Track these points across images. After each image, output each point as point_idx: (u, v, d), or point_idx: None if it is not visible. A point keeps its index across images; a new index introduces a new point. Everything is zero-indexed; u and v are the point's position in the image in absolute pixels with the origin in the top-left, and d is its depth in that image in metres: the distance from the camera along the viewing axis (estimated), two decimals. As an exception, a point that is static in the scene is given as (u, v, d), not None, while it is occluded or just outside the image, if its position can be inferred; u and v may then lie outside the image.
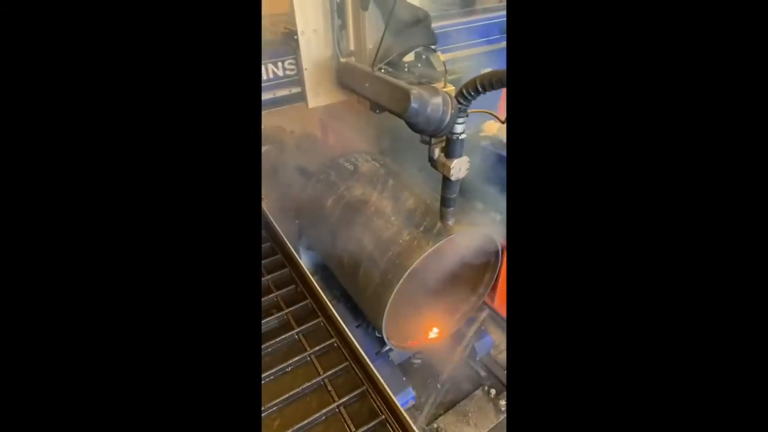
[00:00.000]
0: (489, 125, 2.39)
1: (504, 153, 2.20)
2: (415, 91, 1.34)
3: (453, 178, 1.58)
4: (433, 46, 1.86)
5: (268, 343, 1.66)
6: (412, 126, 1.41)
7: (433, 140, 1.52)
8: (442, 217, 1.79)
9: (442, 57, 1.91)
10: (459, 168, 1.55)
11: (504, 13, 2.39)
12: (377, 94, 1.50)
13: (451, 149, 1.52)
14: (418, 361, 2.56)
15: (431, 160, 1.61)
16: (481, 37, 2.51)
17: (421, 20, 1.76)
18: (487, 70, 1.34)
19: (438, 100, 1.32)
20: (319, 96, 2.14)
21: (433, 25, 1.80)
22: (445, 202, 1.73)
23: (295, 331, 1.70)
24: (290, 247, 2.05)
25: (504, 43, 2.51)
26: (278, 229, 2.16)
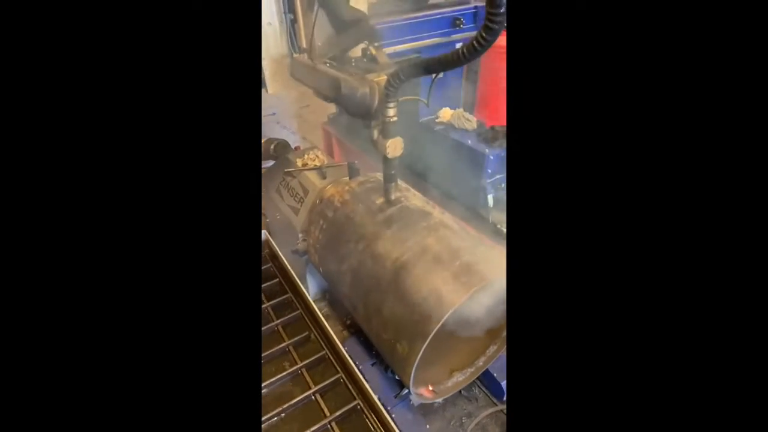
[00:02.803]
0: (444, 112, 2.53)
1: (453, 136, 2.41)
2: (346, 80, 1.46)
3: (390, 156, 1.68)
4: (376, 43, 1.89)
5: (284, 406, 1.36)
6: (347, 110, 1.53)
7: (373, 124, 1.63)
8: (386, 192, 1.85)
9: (398, 48, 2.17)
10: (394, 147, 1.65)
11: (453, 9, 2.57)
12: (318, 84, 1.64)
13: (385, 131, 1.62)
14: (439, 400, 2.26)
15: (372, 141, 1.70)
16: (432, 30, 2.54)
17: (360, 20, 1.88)
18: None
19: (365, 89, 1.47)
20: (277, 83, 2.48)
21: (388, 19, 1.97)
22: (386, 178, 1.81)
23: (312, 390, 1.40)
24: (303, 288, 1.76)
25: (453, 36, 2.63)
26: (286, 263, 1.89)
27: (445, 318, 1.36)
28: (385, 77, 1.58)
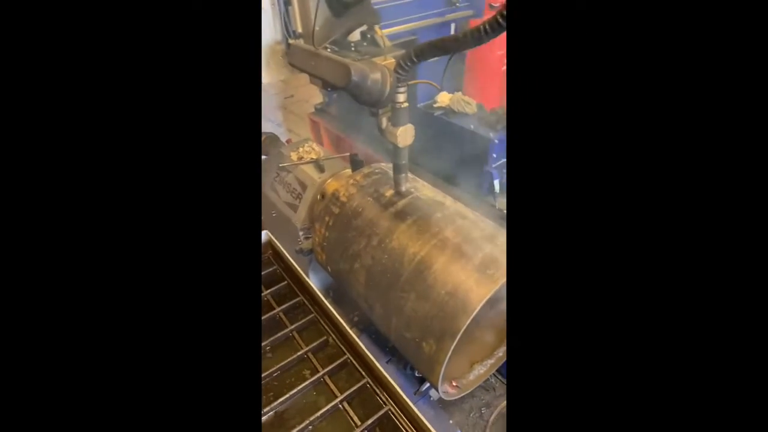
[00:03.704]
0: (442, 96, 2.47)
1: (454, 121, 2.35)
2: (355, 66, 1.32)
3: (401, 145, 1.58)
4: (376, 25, 1.76)
5: (310, 419, 1.26)
6: (356, 98, 1.39)
7: (380, 111, 1.53)
8: (396, 183, 1.74)
9: (393, 30, 2.04)
10: (405, 135, 1.55)
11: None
12: (322, 71, 1.49)
13: (395, 118, 1.52)
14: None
15: (380, 130, 1.58)
16: (428, 9, 2.46)
17: (360, 1, 1.72)
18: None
19: (377, 74, 1.35)
20: (271, 71, 2.32)
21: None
22: (396, 169, 1.69)
23: (339, 399, 1.32)
24: (315, 289, 1.65)
25: (450, 15, 2.58)
26: (294, 263, 1.77)
27: (474, 313, 1.29)
28: (393, 61, 1.48)
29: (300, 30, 1.91)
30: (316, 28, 1.67)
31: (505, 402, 2.01)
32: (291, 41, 1.87)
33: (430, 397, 1.86)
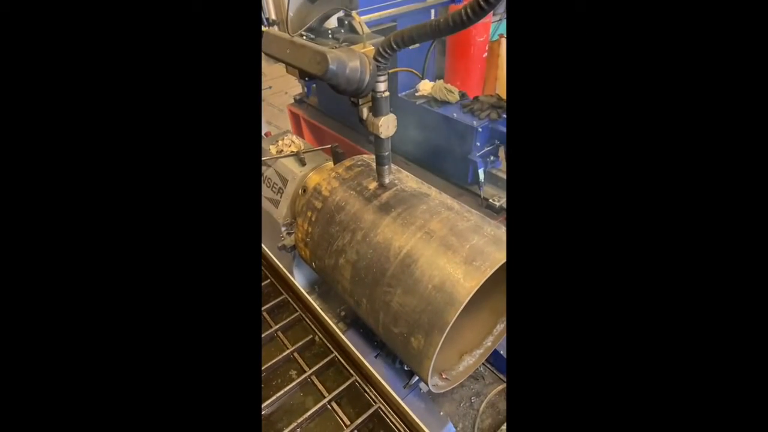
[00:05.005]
0: (423, 85, 2.41)
1: (437, 110, 2.29)
2: (332, 53, 1.27)
3: (383, 136, 1.53)
4: (354, 10, 1.70)
5: (299, 420, 1.23)
6: (334, 88, 1.35)
7: (361, 101, 1.49)
8: (379, 175, 1.70)
9: (372, 17, 2.00)
10: (387, 125, 1.51)
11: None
12: (298, 60, 1.42)
13: (377, 108, 1.48)
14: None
15: (361, 120, 1.54)
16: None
17: None
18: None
19: (355, 62, 1.31)
20: None
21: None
22: (379, 160, 1.64)
23: (327, 399, 1.30)
24: (299, 287, 1.63)
25: (429, 1, 2.52)
26: (277, 261, 1.74)
27: (462, 306, 1.27)
28: (372, 48, 1.43)
29: (273, 17, 1.84)
30: (290, 14, 1.60)
31: (492, 391, 2.02)
32: (264, 29, 1.79)
33: (420, 389, 1.85)
